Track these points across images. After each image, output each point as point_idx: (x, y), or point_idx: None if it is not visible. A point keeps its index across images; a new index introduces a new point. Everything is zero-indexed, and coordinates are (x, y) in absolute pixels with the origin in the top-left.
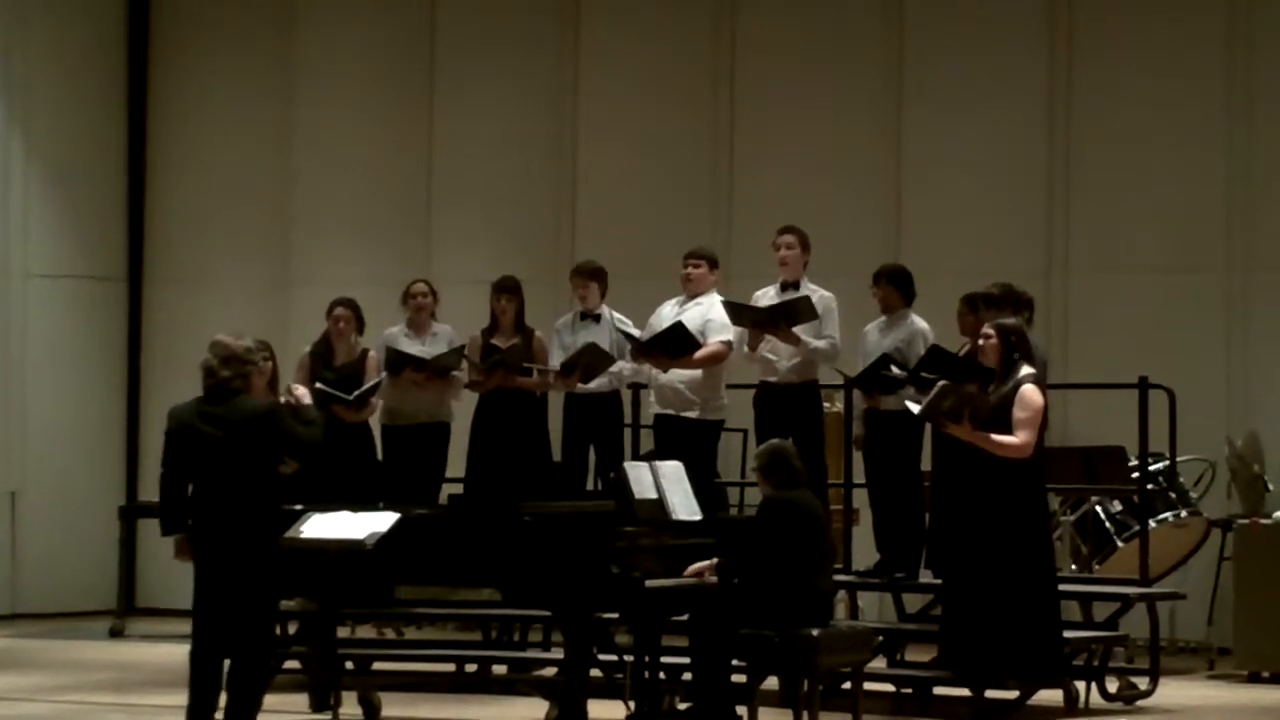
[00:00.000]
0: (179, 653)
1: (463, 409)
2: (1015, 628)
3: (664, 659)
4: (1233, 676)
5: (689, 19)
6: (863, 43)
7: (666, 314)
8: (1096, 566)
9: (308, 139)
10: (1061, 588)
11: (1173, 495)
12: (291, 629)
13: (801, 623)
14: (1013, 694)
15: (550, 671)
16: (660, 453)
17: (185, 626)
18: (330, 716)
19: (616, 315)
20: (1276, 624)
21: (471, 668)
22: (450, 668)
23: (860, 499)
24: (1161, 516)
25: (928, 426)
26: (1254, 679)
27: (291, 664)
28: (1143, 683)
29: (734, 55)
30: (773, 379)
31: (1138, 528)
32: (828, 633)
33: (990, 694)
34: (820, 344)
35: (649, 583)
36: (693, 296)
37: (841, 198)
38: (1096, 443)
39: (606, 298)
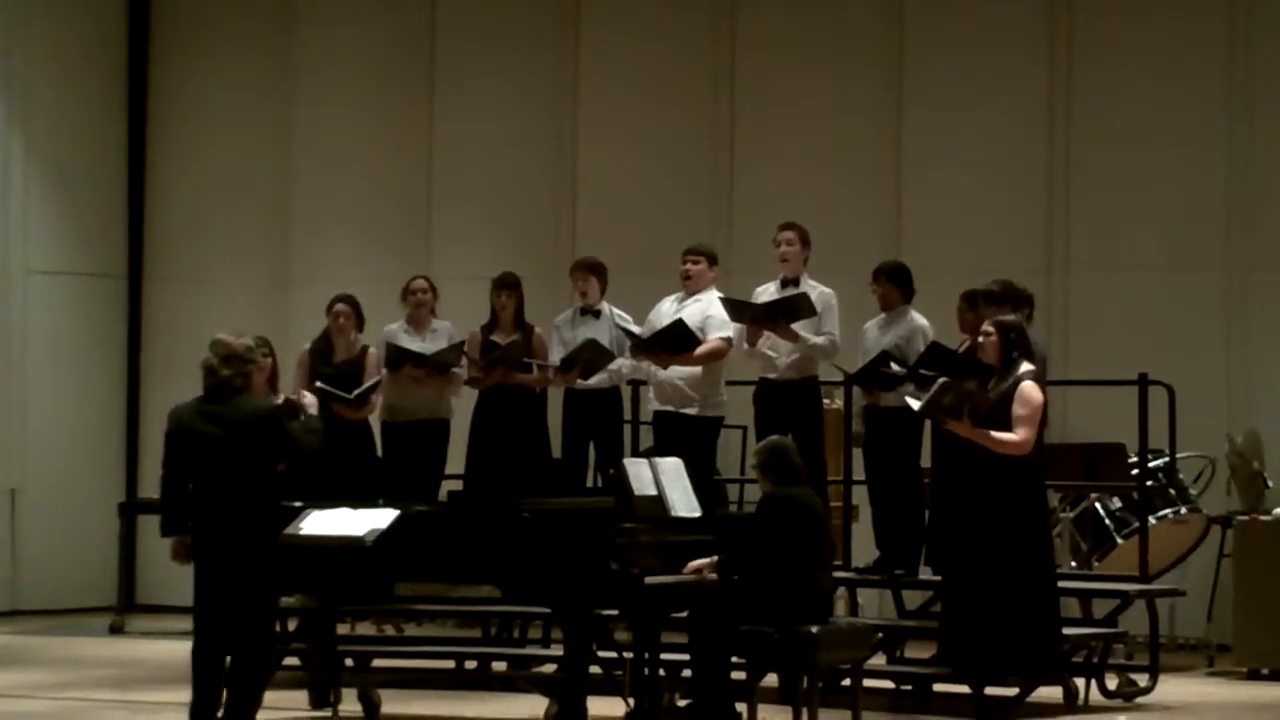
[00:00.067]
0: (179, 649)
1: (462, 405)
2: (1015, 624)
3: (663, 656)
4: (1232, 673)
5: (689, 18)
6: (863, 42)
7: (666, 311)
8: (1096, 563)
9: (308, 138)
10: (1061, 584)
11: (1172, 492)
12: (291, 626)
13: (801, 619)
14: (1012, 691)
15: (550, 668)
16: (660, 449)
17: (185, 623)
18: (330, 713)
19: (616, 311)
20: (1276, 621)
21: (471, 664)
22: (450, 664)
23: (860, 496)
24: (1161, 513)
25: (927, 423)
26: (1253, 676)
27: (291, 661)
28: (1142, 679)
29: (734, 55)
30: (772, 376)
31: (1137, 524)
32: (827, 629)
33: (990, 691)
34: (819, 340)
35: (648, 579)
36: (692, 293)
37: (842, 196)
38: (1096, 439)
39: (606, 294)
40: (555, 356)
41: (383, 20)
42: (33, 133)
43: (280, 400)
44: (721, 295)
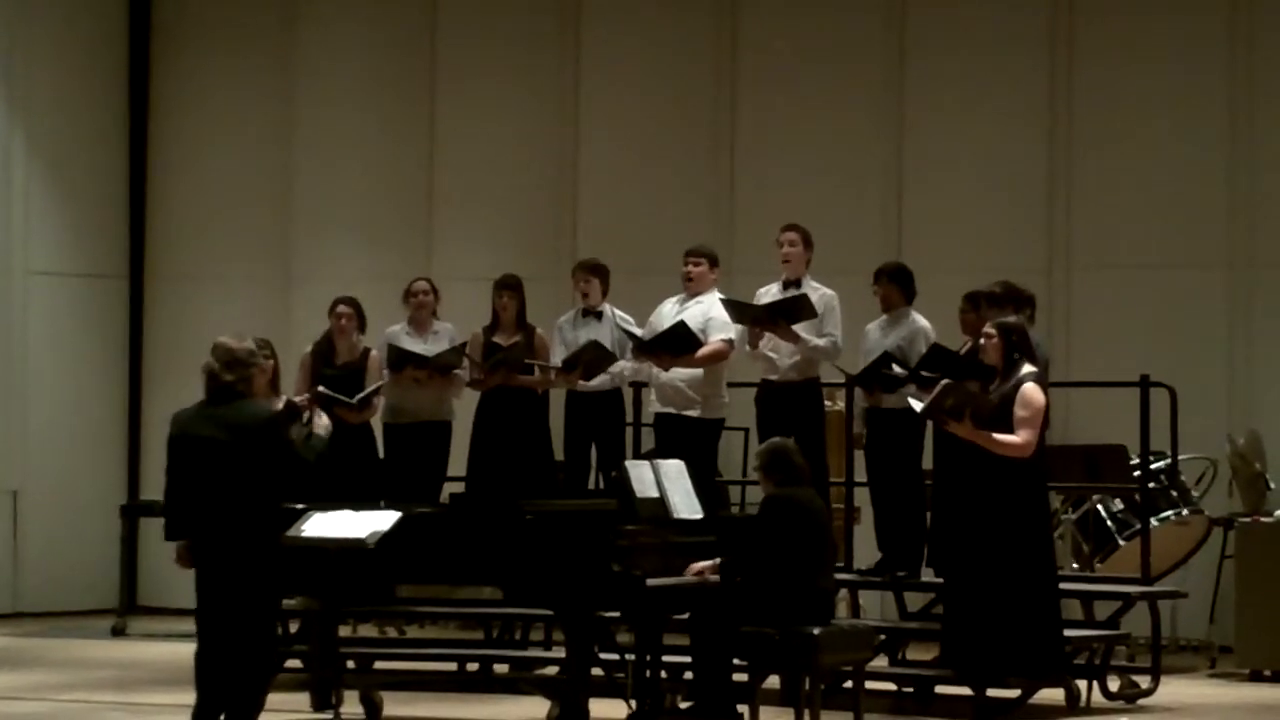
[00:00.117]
0: (180, 651)
1: (464, 407)
2: (1017, 626)
3: (665, 657)
4: (1234, 675)
5: (690, 18)
6: (864, 42)
7: (667, 312)
8: (1098, 565)
9: (309, 138)
10: (1063, 586)
11: (1174, 494)
12: (293, 628)
13: (803, 621)
14: (1014, 693)
15: (552, 670)
16: (661, 451)
17: (186, 625)
18: (332, 715)
19: (618, 313)
20: (1278, 622)
21: (473, 666)
22: (452, 666)
23: (862, 497)
24: (1163, 515)
25: (929, 425)
26: (1255, 677)
27: (293, 663)
28: (1144, 681)
29: (735, 55)
30: (774, 377)
31: (1139, 526)
32: (829, 631)
33: (992, 693)
34: (821, 342)
35: (650, 581)
36: (693, 295)
37: (843, 197)
38: (1098, 441)
39: (608, 295)
40: (557, 358)
41: (384, 19)
42: (34, 132)
43: (282, 402)
44: (723, 297)
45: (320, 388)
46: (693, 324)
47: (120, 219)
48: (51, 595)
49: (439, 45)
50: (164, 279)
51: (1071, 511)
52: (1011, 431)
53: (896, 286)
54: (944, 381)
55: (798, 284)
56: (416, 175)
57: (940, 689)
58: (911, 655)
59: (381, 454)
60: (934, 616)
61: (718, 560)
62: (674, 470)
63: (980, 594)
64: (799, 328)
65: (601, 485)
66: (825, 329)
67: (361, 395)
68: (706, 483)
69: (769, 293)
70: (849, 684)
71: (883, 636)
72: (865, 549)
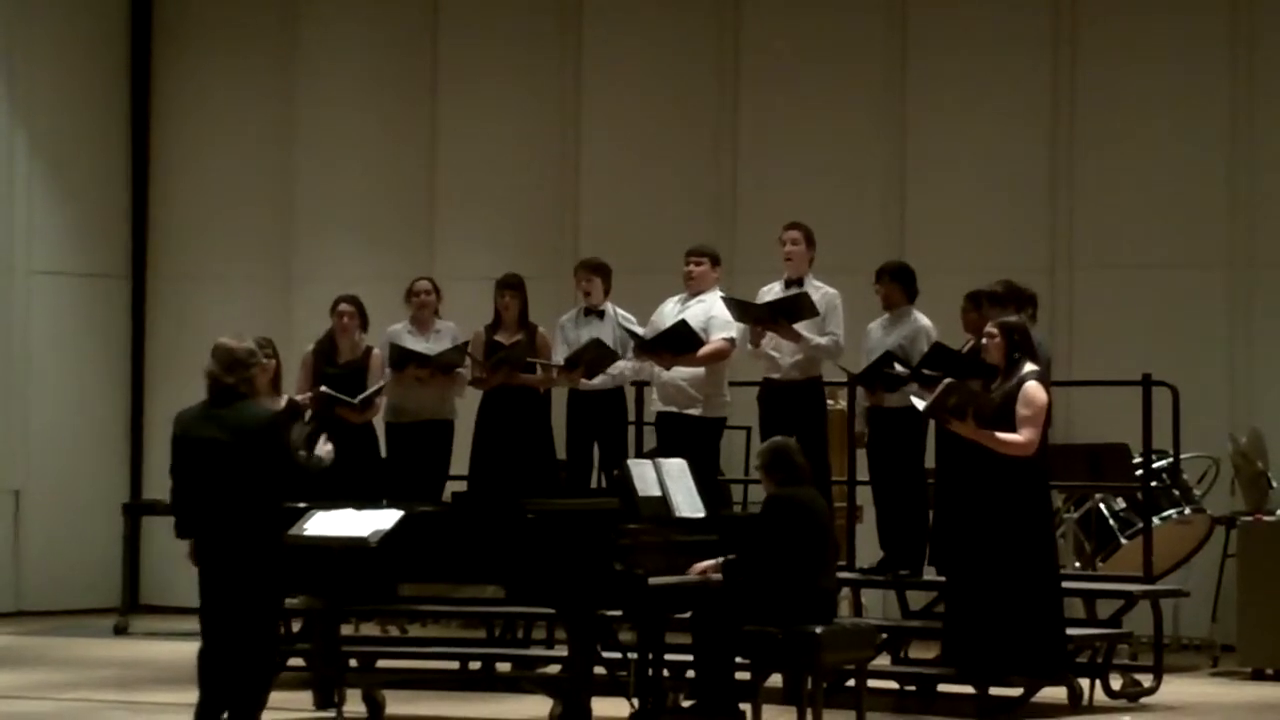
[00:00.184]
0: (183, 650)
1: (466, 406)
2: (1019, 625)
3: (668, 656)
4: (1236, 674)
5: (692, 17)
6: (866, 41)
7: (669, 311)
8: (1100, 564)
9: (310, 137)
10: (1065, 585)
11: (1176, 492)
12: (296, 626)
13: (805, 620)
14: (1016, 691)
15: (554, 669)
16: (663, 450)
17: (189, 624)
18: (334, 714)
19: (620, 312)
20: None
21: (475, 665)
22: (454, 665)
23: (864, 496)
24: (1165, 514)
25: (931, 423)
26: (1258, 676)
27: (296, 661)
28: (1146, 680)
29: (737, 54)
30: (776, 376)
31: (1141, 525)
32: (831, 630)
33: (994, 691)
34: (823, 341)
35: (652, 580)
36: (695, 294)
37: (844, 196)
38: (1100, 440)
39: (610, 294)
40: (559, 357)
41: (385, 19)
42: (35, 132)
43: (284, 401)
44: (724, 295)
45: (323, 387)
46: (694, 323)
47: (122, 219)
48: (54, 594)
49: (440, 45)
50: (165, 278)
51: (1074, 510)
52: (1014, 430)
53: (898, 285)
54: (946, 380)
55: (800, 283)
56: (418, 175)
57: (943, 688)
58: (914, 654)
59: (383, 453)
60: (936, 615)
61: (720, 560)
62: (676, 469)
63: (983, 593)
64: (801, 326)
65: (603, 484)
66: (827, 328)
67: (364, 395)
68: (708, 482)
69: (771, 291)
70: (851, 683)
71: (885, 635)
72: (867, 548)
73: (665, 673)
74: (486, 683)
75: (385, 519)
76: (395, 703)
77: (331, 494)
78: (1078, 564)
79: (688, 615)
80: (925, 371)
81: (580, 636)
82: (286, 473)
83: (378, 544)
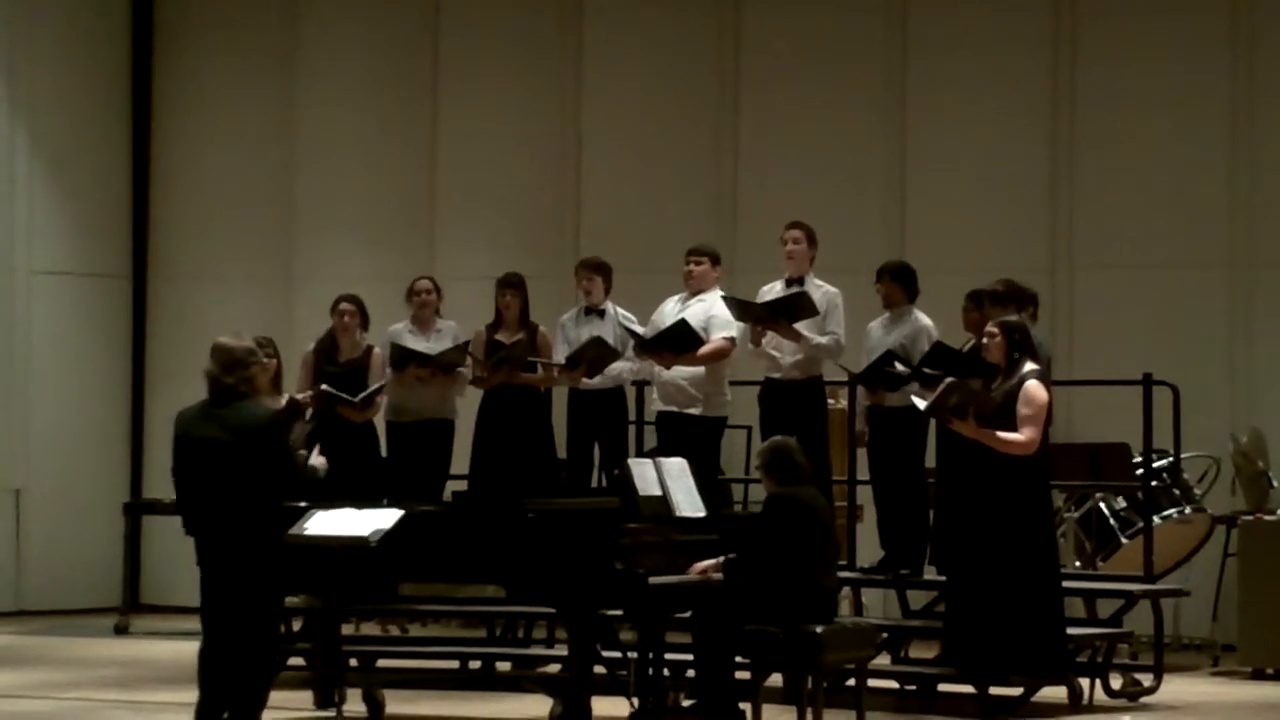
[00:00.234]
0: (184, 649)
1: (467, 405)
2: (1019, 624)
3: (668, 655)
4: (1237, 673)
5: (692, 18)
6: (866, 41)
7: (669, 310)
8: (1100, 563)
9: (311, 137)
10: (1066, 584)
11: (1177, 492)
12: (296, 626)
13: (806, 619)
14: (1017, 691)
15: (554, 668)
16: (663, 450)
17: (190, 623)
18: (334, 713)
19: (621, 311)
20: None
21: (475, 665)
22: (454, 665)
23: (864, 495)
24: (1166, 513)
25: (932, 423)
26: (1258, 675)
27: (296, 661)
28: (1147, 679)
29: (737, 54)
30: (777, 375)
31: (1142, 524)
32: (832, 629)
33: (994, 691)
34: (823, 340)
35: (653, 579)
36: (695, 293)
37: (845, 196)
38: (1101, 439)
39: (610, 293)
40: (560, 356)
41: (386, 19)
42: (36, 132)
43: (284, 400)
44: (724, 295)
45: (323, 386)
46: (694, 322)
47: (123, 218)
48: (54, 593)
49: (440, 45)
50: (166, 278)
51: (1074, 510)
52: (1014, 430)
53: (899, 285)
54: (947, 380)
55: (801, 282)
56: (418, 175)
57: (943, 687)
58: (914, 653)
59: (384, 452)
60: (937, 615)
61: (721, 559)
62: (676, 468)
63: (983, 592)
64: (801, 326)
65: (604, 483)
66: (828, 327)
67: (364, 394)
68: (709, 481)
69: (772, 290)
70: (852, 682)
71: (885, 635)
72: (868, 547)
73: (665, 672)
74: (487, 682)
75: (385, 518)
76: (395, 702)
77: (331, 496)
78: (1078, 563)
79: (688, 615)
80: (926, 371)
81: (580, 636)
82: (287, 472)
83: (378, 543)
